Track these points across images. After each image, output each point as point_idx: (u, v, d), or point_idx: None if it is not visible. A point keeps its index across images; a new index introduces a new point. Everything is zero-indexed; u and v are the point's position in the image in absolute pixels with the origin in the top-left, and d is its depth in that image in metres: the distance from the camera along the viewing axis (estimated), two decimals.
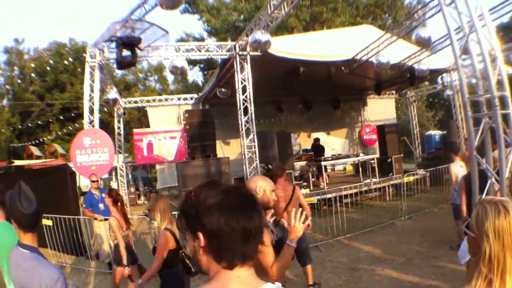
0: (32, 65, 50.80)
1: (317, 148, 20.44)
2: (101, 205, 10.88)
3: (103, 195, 10.49)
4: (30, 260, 3.02)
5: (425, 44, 14.68)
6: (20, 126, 45.84)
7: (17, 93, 51.43)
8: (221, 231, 1.70)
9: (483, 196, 6.76)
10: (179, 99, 23.32)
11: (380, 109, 26.78)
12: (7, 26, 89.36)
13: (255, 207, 1.80)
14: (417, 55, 17.16)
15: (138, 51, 12.07)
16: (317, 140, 20.75)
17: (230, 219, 1.69)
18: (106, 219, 10.54)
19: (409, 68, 17.95)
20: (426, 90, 28.77)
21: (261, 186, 4.18)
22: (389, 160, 19.29)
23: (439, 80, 25.09)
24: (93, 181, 11.26)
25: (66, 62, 39.73)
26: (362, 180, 17.38)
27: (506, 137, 6.53)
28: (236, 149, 19.72)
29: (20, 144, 42.97)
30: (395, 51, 15.72)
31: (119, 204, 7.63)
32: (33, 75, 51.16)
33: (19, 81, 51.21)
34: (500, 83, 6.63)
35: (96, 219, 11.23)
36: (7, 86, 52.96)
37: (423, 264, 7.59)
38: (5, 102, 52.58)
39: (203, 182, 1.92)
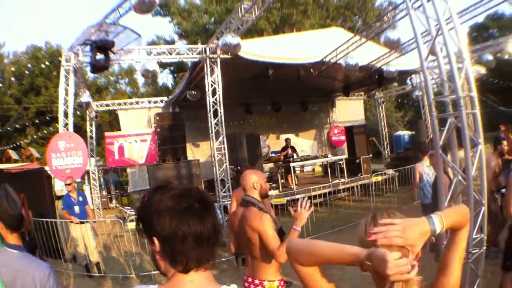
0: (13, 68, 50.38)
1: (288, 148, 20.39)
2: (76, 208, 10.80)
3: (80, 198, 10.94)
4: (20, 259, 2.99)
5: (394, 46, 14.74)
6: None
7: None
8: (173, 236, 1.69)
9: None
10: (149, 102, 23.20)
11: (348, 110, 26.90)
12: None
13: (208, 210, 1.78)
14: (385, 57, 17.23)
15: (111, 55, 12.08)
16: (287, 140, 20.71)
17: (181, 224, 1.69)
18: (82, 222, 10.75)
19: (377, 70, 18.06)
20: (395, 91, 29.05)
21: (257, 182, 4.44)
22: (358, 160, 19.39)
23: (408, 81, 25.28)
24: (67, 184, 11.10)
25: (43, 65, 39.44)
26: (331, 180, 17.44)
27: (473, 136, 6.57)
28: (206, 152, 19.70)
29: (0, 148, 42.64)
30: (364, 53, 15.78)
31: None
32: (12, 78, 50.74)
33: (0, 84, 50.77)
34: (468, 84, 6.68)
35: (72, 221, 11.05)
36: None
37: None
38: None
39: (156, 185, 1.91)
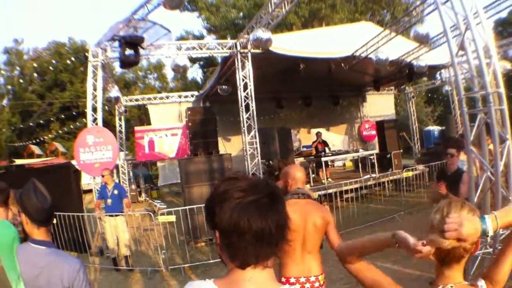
0: (35, 64, 50.74)
1: (320, 143, 20.25)
2: (109, 200, 10.92)
3: (115, 191, 10.90)
4: (48, 256, 3.03)
5: (423, 40, 14.81)
6: (21, 126, 45.86)
7: (18, 93, 51.80)
8: (231, 229, 1.64)
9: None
10: (179, 96, 23.54)
11: (379, 105, 26.91)
12: (6, 27, 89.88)
13: (274, 206, 1.69)
14: (415, 51, 17.24)
15: (140, 50, 12.23)
16: (318, 134, 20.61)
17: (241, 218, 1.62)
18: (111, 215, 10.86)
19: (407, 64, 18.07)
20: (424, 86, 28.90)
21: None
22: (388, 155, 19.38)
23: (437, 76, 25.20)
24: (102, 176, 11.24)
25: (68, 61, 39.65)
26: (362, 175, 17.39)
27: (501, 132, 6.72)
28: (237, 146, 19.79)
29: (21, 143, 43.09)
30: (393, 48, 15.81)
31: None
32: (35, 74, 51.16)
33: (21, 80, 51.18)
34: (495, 79, 6.80)
35: (99, 214, 11.50)
36: (7, 86, 53.09)
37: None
38: (5, 102, 52.66)
39: (226, 176, 1.87)
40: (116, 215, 10.88)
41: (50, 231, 3.23)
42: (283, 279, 4.33)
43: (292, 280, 4.29)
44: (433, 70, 20.72)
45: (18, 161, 29.54)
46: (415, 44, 16.52)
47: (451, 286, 1.97)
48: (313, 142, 20.44)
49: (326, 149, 19.67)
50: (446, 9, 7.12)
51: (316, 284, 4.33)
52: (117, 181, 19.89)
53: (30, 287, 3.04)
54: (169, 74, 61.37)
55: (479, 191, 6.95)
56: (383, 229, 11.99)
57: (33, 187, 3.10)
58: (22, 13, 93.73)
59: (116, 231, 10.89)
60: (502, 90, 6.75)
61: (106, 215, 11.05)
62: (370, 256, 7.65)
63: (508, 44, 18.90)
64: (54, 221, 10.84)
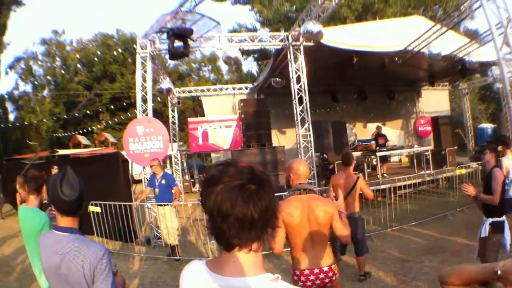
0: (78, 56, 51.64)
1: (379, 136, 20.41)
2: (156, 190, 11.18)
3: (163, 181, 11.12)
4: (70, 242, 3.08)
5: (473, 36, 14.85)
6: (65, 116, 46.60)
7: (60, 84, 52.65)
8: (215, 213, 1.74)
9: None
10: (234, 88, 23.77)
11: (434, 100, 26.84)
12: (46, 18, 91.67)
13: (258, 192, 1.76)
14: (466, 47, 17.24)
15: (190, 42, 12.38)
16: (378, 127, 20.83)
17: (223, 203, 1.71)
18: (159, 205, 11.32)
19: (460, 60, 18.06)
20: (477, 83, 28.70)
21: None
22: (443, 152, 19.47)
23: (489, 72, 25.11)
24: (151, 166, 11.40)
25: (115, 53, 40.30)
26: (417, 171, 17.64)
27: None
28: (291, 139, 20.06)
29: (65, 134, 43.66)
30: (445, 43, 15.83)
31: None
32: (78, 65, 52.07)
33: (62, 71, 52.09)
34: None
35: (137, 203, 11.87)
36: (48, 77, 54.01)
37: (473, 258, 7.28)
38: (45, 92, 53.60)
39: (220, 161, 1.96)
40: (165, 205, 11.20)
41: (77, 220, 3.28)
42: (297, 272, 4.59)
43: (306, 272, 4.54)
44: (484, 66, 20.51)
45: (62, 151, 29.60)
46: (465, 40, 16.55)
47: None
48: (373, 134, 20.65)
49: (386, 143, 19.90)
50: (491, 5, 7.36)
51: (330, 274, 4.56)
52: (169, 171, 20.15)
53: (51, 275, 3.15)
54: (224, 66, 61.56)
55: None
56: (435, 227, 12.22)
57: (61, 176, 3.16)
58: (62, 4, 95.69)
59: (165, 220, 11.22)
60: None
61: (155, 204, 11.58)
62: (421, 254, 7.93)
63: None
64: (99, 210, 11.29)
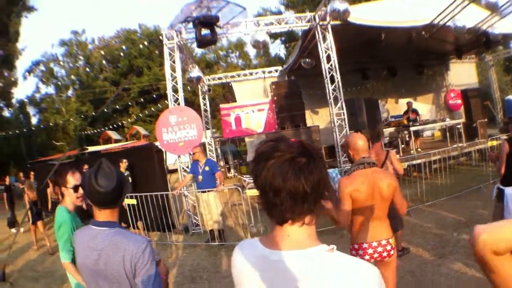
0: (102, 52, 52.07)
1: (413, 112, 20.23)
2: (200, 177, 11.18)
3: (207, 168, 11.15)
4: (109, 236, 3.03)
5: (494, 8, 14.77)
6: (93, 113, 47.01)
7: (86, 82, 53.29)
8: (268, 188, 1.76)
9: None
10: (264, 72, 23.90)
11: (462, 73, 26.70)
12: (61, 20, 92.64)
13: (309, 165, 1.76)
14: (488, 20, 17.05)
15: (217, 29, 12.50)
16: (409, 103, 20.54)
17: (276, 177, 1.73)
18: (203, 191, 11.26)
19: (484, 32, 17.96)
20: (502, 54, 28.47)
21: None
22: (474, 124, 19.56)
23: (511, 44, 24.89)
24: (193, 154, 11.51)
25: (141, 46, 40.58)
26: (449, 145, 17.48)
27: None
28: (325, 118, 20.24)
29: (94, 131, 44.11)
30: (468, 16, 15.76)
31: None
32: (104, 62, 52.49)
33: (87, 69, 52.62)
34: None
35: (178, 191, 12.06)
36: (71, 77, 54.59)
37: None
38: (70, 92, 54.15)
39: (270, 137, 1.97)
40: (209, 191, 11.20)
41: (116, 213, 3.24)
42: (356, 246, 4.61)
43: (365, 245, 4.55)
44: (507, 38, 20.43)
45: (92, 148, 29.67)
46: (487, 12, 16.46)
47: None
48: (404, 113, 20.48)
49: (417, 118, 19.73)
50: None
51: (388, 247, 4.57)
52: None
53: (87, 272, 3.12)
54: (251, 51, 62.02)
55: None
56: (469, 200, 12.22)
57: (96, 168, 3.11)
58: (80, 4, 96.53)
59: (208, 207, 11.28)
60: None
61: (199, 191, 11.48)
62: (457, 227, 7.94)
63: None
64: (134, 202, 11.38)
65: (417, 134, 19.20)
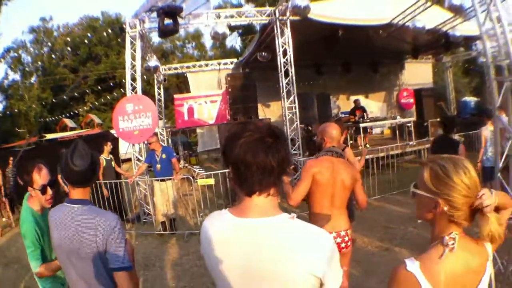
0: (68, 39, 51.49)
1: (359, 109, 20.23)
2: (158, 166, 11.25)
3: (164, 155, 11.22)
4: (83, 213, 3.13)
5: (457, 11, 15.00)
6: (53, 100, 46.31)
7: (48, 69, 52.27)
8: (240, 162, 1.97)
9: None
10: (219, 64, 23.84)
11: (417, 73, 26.99)
12: (32, 7, 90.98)
13: (274, 144, 1.97)
14: (451, 21, 17.25)
15: (179, 19, 12.59)
16: (357, 101, 20.66)
17: (247, 153, 1.94)
18: (163, 180, 11.27)
19: (444, 34, 18.15)
20: (462, 56, 28.78)
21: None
22: (426, 123, 19.78)
23: (473, 47, 25.26)
24: (149, 143, 11.56)
25: (105, 34, 40.20)
26: (399, 142, 17.42)
27: None
28: (277, 111, 20.07)
29: (52, 118, 43.74)
30: (430, 17, 15.95)
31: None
32: (68, 48, 51.81)
33: (53, 56, 51.95)
34: None
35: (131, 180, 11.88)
36: (36, 64, 53.83)
37: None
38: (33, 79, 53.43)
39: (241, 122, 2.38)
40: (168, 179, 11.29)
41: (89, 192, 3.35)
42: None
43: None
44: (468, 40, 20.53)
45: (50, 136, 29.23)
46: (450, 14, 16.67)
47: (456, 234, 2.06)
48: (351, 110, 20.48)
49: (364, 115, 19.79)
50: None
51: (346, 238, 4.67)
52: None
53: (63, 251, 3.18)
54: (208, 43, 62.05)
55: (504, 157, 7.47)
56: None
57: (72, 149, 3.23)
58: None
59: (164, 195, 11.33)
60: None
61: (157, 179, 11.41)
62: (404, 221, 8.15)
63: None
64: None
65: (365, 131, 19.22)
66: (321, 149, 4.98)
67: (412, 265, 2.01)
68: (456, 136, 9.18)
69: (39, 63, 53.75)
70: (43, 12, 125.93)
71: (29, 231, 3.97)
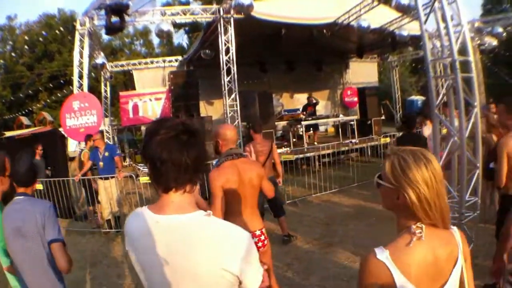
0: (26, 37, 50.91)
1: (310, 105, 20.30)
2: (101, 164, 10.97)
3: (106, 153, 10.91)
4: (23, 201, 3.73)
5: (405, 10, 14.93)
6: (11, 98, 45.94)
7: (9, 67, 51.97)
8: (156, 159, 1.93)
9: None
10: (164, 61, 23.72)
11: (362, 72, 27.17)
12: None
13: (189, 141, 1.97)
14: (398, 21, 17.38)
15: (126, 17, 12.50)
16: (310, 98, 20.59)
17: (163, 150, 1.91)
18: (106, 178, 10.94)
19: (390, 33, 18.24)
20: (409, 56, 29.04)
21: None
22: (369, 122, 19.74)
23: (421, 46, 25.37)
24: (93, 140, 11.23)
25: (57, 31, 39.65)
26: (342, 141, 17.68)
27: (469, 99, 6.94)
28: (219, 109, 20.01)
29: (11, 116, 43.65)
30: (377, 16, 16.02)
31: None
32: (25, 47, 51.26)
33: (13, 54, 51.44)
34: (464, 49, 7.02)
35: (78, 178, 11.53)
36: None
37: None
38: None
39: (160, 118, 2.24)
40: (112, 177, 11.00)
41: (30, 190, 3.90)
42: None
43: None
44: (416, 40, 20.70)
45: (8, 133, 29.69)
46: (397, 14, 16.61)
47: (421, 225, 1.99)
48: (304, 106, 20.59)
49: (315, 112, 19.99)
50: None
51: (262, 237, 4.60)
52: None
53: (10, 235, 3.71)
54: (155, 40, 61.94)
55: (445, 154, 7.26)
56: (359, 193, 12.58)
57: (18, 156, 3.87)
58: None
59: (107, 193, 11.05)
60: (472, 58, 6.98)
61: (100, 177, 11.11)
62: (346, 218, 7.88)
63: (494, 21, 19.28)
64: (41, 187, 10.95)
65: (316, 128, 19.49)
66: (219, 152, 4.81)
67: (382, 254, 1.94)
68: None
69: (1, 61, 53.05)
70: (11, 11, 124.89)
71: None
